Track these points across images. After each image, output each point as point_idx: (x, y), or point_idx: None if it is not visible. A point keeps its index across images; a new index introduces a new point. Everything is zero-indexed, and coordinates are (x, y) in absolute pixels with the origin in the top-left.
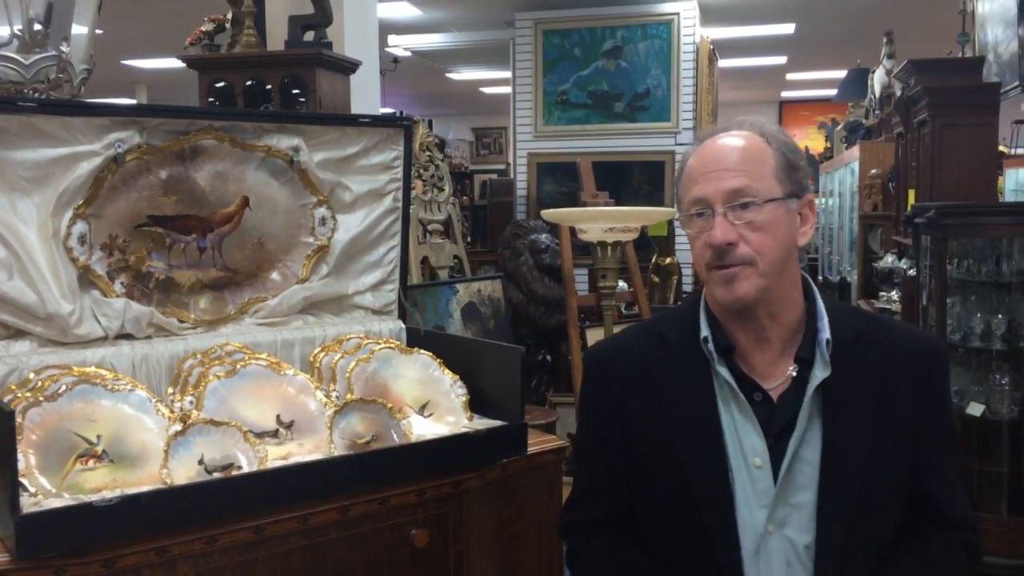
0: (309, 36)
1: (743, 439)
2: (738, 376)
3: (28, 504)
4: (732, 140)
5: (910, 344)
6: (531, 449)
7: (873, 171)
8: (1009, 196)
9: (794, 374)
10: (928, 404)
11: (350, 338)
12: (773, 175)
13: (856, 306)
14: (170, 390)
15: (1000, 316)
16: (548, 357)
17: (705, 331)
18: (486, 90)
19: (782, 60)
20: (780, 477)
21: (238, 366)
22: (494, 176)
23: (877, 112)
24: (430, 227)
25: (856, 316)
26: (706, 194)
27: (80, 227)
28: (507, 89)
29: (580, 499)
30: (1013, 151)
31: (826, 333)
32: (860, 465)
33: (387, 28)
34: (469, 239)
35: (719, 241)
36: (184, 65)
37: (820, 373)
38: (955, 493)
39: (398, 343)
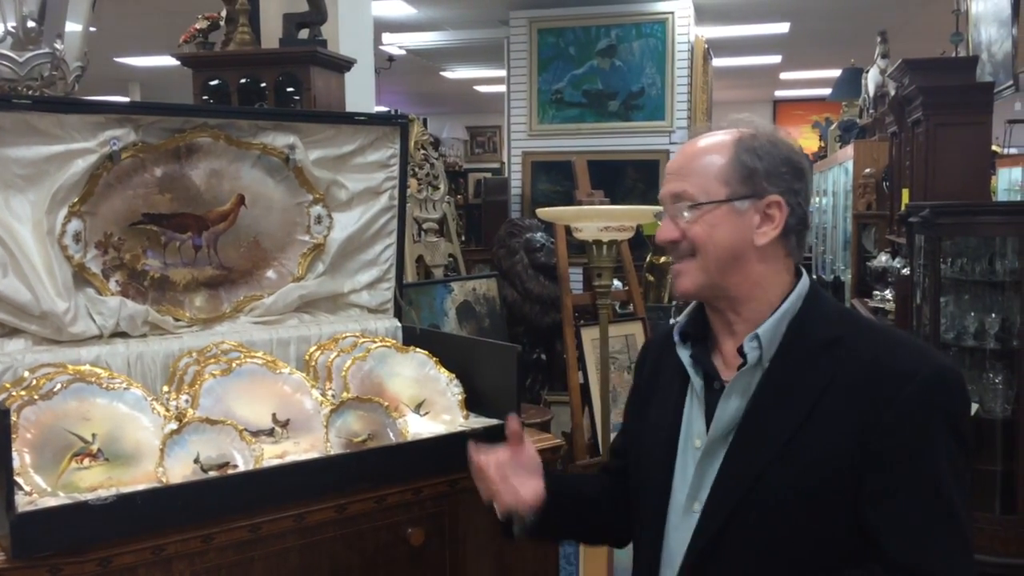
0: (304, 34)
1: (693, 421)
2: (703, 363)
3: (23, 503)
4: (695, 145)
5: (888, 361)
6: None
7: (867, 170)
8: (1002, 196)
9: (737, 369)
10: (885, 429)
11: (346, 336)
12: (717, 179)
13: (858, 314)
14: (165, 388)
15: (993, 315)
16: (543, 356)
17: (682, 318)
18: (480, 88)
19: (776, 59)
20: (699, 459)
21: (234, 364)
22: (488, 175)
23: (871, 111)
24: (425, 225)
25: (845, 322)
26: (660, 195)
27: (75, 225)
28: (502, 88)
29: (610, 452)
30: (1006, 151)
31: (760, 330)
32: (762, 463)
33: (382, 26)
34: (463, 238)
35: (660, 239)
36: (178, 63)
37: (748, 366)
38: (912, 537)
39: (394, 341)
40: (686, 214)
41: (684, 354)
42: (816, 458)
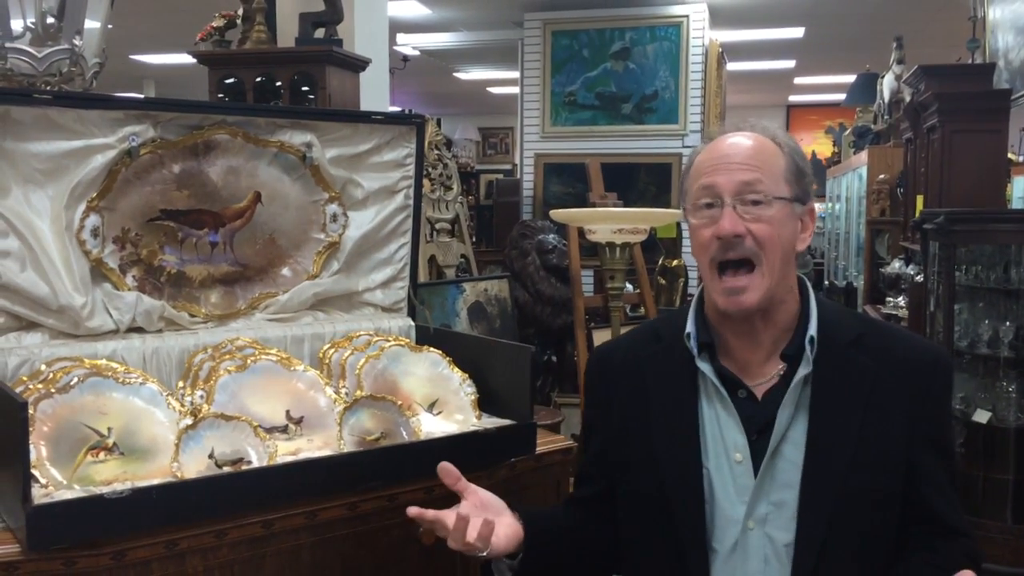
0: (319, 33)
1: (725, 434)
2: (722, 373)
3: (39, 496)
4: (744, 139)
5: (912, 352)
6: (539, 449)
7: (881, 176)
8: (1017, 204)
9: (781, 372)
10: (927, 414)
11: (360, 335)
12: (783, 176)
13: (859, 311)
14: (180, 384)
15: (1008, 323)
16: (554, 358)
17: (690, 327)
18: (493, 90)
19: (791, 64)
20: (760, 473)
21: (248, 361)
22: (500, 176)
23: (886, 117)
24: (438, 225)
25: (857, 320)
26: (717, 183)
27: (93, 220)
28: (515, 89)
29: (577, 480)
30: (1022, 158)
31: (812, 331)
32: (843, 466)
33: (396, 27)
34: (475, 239)
35: (727, 232)
36: (193, 61)
37: (803, 370)
38: (952, 503)
39: (408, 340)
40: (757, 208)
41: (706, 366)
42: (882, 453)
